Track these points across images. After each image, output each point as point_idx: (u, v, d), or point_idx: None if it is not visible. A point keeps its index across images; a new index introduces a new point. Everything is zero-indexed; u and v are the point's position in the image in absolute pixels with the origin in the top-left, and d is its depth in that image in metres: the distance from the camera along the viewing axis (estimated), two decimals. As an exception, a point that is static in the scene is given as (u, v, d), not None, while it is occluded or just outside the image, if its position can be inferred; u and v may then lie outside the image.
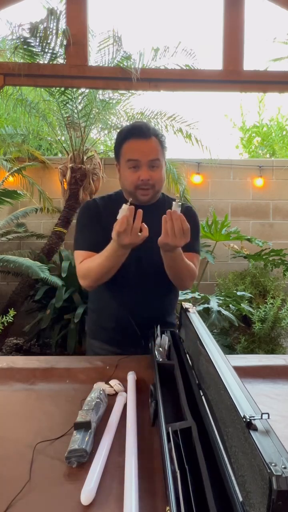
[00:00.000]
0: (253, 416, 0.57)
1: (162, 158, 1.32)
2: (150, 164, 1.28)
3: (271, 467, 0.47)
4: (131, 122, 1.39)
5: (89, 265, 1.28)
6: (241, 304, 3.28)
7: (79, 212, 1.43)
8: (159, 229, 1.18)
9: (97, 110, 4.14)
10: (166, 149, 1.36)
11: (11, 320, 3.01)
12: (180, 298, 3.15)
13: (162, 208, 1.25)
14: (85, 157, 4.19)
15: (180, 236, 1.15)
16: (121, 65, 2.95)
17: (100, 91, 4.05)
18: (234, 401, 0.64)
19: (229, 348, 3.39)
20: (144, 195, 1.31)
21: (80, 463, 0.76)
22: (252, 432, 0.55)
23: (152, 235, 1.19)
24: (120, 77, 2.64)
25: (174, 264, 1.28)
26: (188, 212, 1.39)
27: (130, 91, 3.98)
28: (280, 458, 0.49)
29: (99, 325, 1.46)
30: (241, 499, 0.57)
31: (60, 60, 2.78)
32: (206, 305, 3.13)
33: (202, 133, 4.32)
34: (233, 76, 2.60)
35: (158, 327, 1.26)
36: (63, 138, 4.53)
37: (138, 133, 1.29)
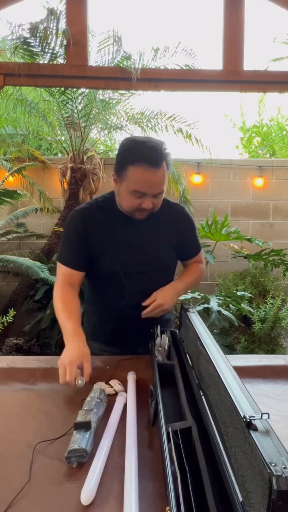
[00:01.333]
0: (253, 416, 0.57)
1: (166, 181, 1.27)
2: (155, 195, 1.24)
3: (271, 467, 0.47)
4: (143, 140, 1.27)
5: (57, 305, 1.29)
6: (241, 304, 3.28)
7: (66, 222, 1.40)
8: (156, 229, 1.31)
9: (97, 110, 4.14)
10: (171, 167, 1.27)
11: (11, 320, 3.01)
12: (180, 298, 3.15)
13: (157, 215, 1.32)
14: (85, 157, 4.19)
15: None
16: (121, 65, 2.95)
17: (100, 91, 4.05)
18: (234, 401, 0.64)
19: (229, 348, 3.39)
20: (141, 216, 1.29)
21: (80, 463, 0.76)
22: (252, 432, 0.55)
23: (150, 234, 1.30)
24: (120, 77, 2.64)
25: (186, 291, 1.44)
26: (182, 215, 1.45)
27: (130, 91, 3.98)
28: (280, 458, 0.49)
29: (98, 326, 1.46)
30: (241, 499, 0.57)
31: (60, 60, 2.78)
32: (206, 305, 3.13)
33: (202, 133, 4.33)
34: (233, 76, 2.60)
35: (158, 326, 1.27)
36: (63, 138, 4.53)
37: (149, 160, 1.17)
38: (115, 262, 1.31)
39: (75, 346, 1.12)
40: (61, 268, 1.35)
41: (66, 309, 1.25)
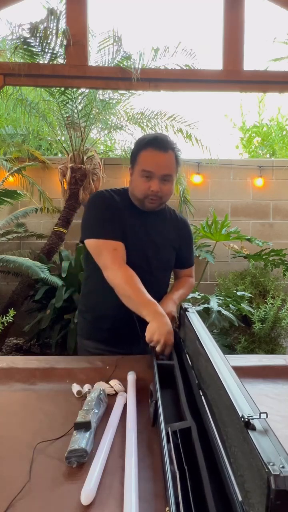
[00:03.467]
0: (252, 416, 0.57)
1: (175, 174, 1.35)
2: (162, 178, 1.32)
3: (269, 466, 0.47)
4: (152, 132, 1.42)
5: (124, 287, 1.25)
6: (241, 304, 3.28)
7: (92, 200, 1.40)
8: (163, 229, 1.41)
9: (97, 110, 4.14)
10: (180, 166, 1.38)
11: (11, 320, 3.01)
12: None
13: (163, 215, 1.48)
14: (85, 157, 4.19)
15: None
16: (121, 65, 2.96)
17: (100, 91, 4.05)
18: (233, 401, 0.64)
19: (229, 348, 3.39)
20: (151, 203, 1.36)
21: (80, 463, 0.76)
22: (250, 432, 0.55)
23: (157, 231, 1.40)
24: (120, 77, 2.64)
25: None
26: (185, 226, 1.56)
27: (130, 91, 3.98)
28: (278, 457, 0.49)
29: (94, 325, 1.47)
30: (240, 498, 0.57)
31: (60, 60, 2.78)
32: (206, 305, 3.13)
33: (202, 133, 4.30)
34: (233, 76, 2.60)
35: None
36: (63, 138, 4.53)
37: (157, 144, 1.30)
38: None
39: (165, 322, 1.16)
40: (105, 246, 1.30)
41: (136, 288, 1.24)
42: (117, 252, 1.29)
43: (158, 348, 1.13)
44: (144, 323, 1.32)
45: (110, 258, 1.29)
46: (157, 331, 1.13)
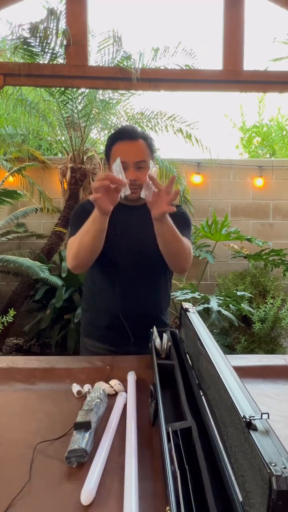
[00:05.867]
0: (253, 416, 0.57)
1: (149, 159, 1.36)
2: (137, 166, 1.32)
3: (271, 467, 0.47)
4: (122, 125, 1.41)
5: (75, 239, 1.30)
6: (241, 304, 3.28)
7: (74, 211, 1.46)
8: (150, 222, 1.25)
9: (97, 110, 4.14)
10: (155, 151, 1.41)
11: (11, 320, 3.01)
12: (180, 298, 3.16)
13: None
14: (85, 157, 4.19)
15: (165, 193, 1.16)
16: (121, 65, 2.95)
17: (100, 91, 4.05)
18: (234, 401, 0.64)
19: (229, 348, 3.39)
20: (133, 194, 1.30)
21: (80, 463, 0.76)
22: (252, 432, 0.55)
23: (148, 227, 1.28)
24: (120, 77, 2.64)
25: (167, 236, 1.26)
26: (177, 211, 1.44)
27: (130, 91, 3.98)
28: (280, 458, 0.49)
29: (92, 323, 1.49)
30: (241, 499, 0.57)
31: (60, 60, 2.78)
32: (206, 305, 3.13)
33: (202, 133, 4.31)
34: (233, 76, 2.60)
35: (155, 328, 1.27)
36: (63, 138, 4.53)
37: (125, 135, 1.34)
38: (114, 251, 1.35)
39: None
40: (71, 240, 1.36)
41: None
42: None
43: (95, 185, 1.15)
44: (133, 324, 1.33)
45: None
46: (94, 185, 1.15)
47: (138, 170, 1.33)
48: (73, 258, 1.32)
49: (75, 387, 1.07)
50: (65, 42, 2.56)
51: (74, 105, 3.99)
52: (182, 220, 1.44)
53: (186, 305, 1.32)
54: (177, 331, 1.34)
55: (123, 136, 1.35)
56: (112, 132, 1.44)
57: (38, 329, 3.75)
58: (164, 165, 4.13)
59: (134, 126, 1.43)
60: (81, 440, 0.78)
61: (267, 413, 0.58)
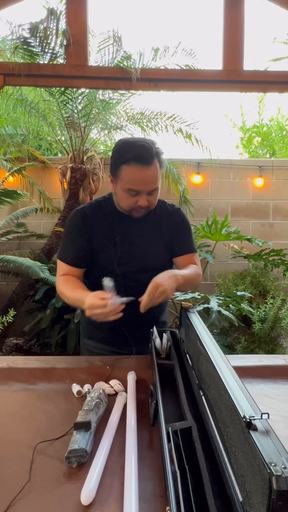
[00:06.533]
0: (253, 416, 0.57)
1: (160, 179, 1.29)
2: (149, 193, 1.27)
3: (271, 467, 0.47)
4: (133, 140, 1.29)
5: (62, 291, 1.32)
6: (241, 304, 3.28)
7: (67, 221, 1.42)
8: (154, 230, 1.31)
9: (97, 110, 4.14)
10: (164, 167, 1.30)
11: (11, 320, 3.01)
12: (180, 298, 3.15)
13: (153, 211, 1.35)
14: (85, 157, 4.19)
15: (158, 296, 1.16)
16: (121, 65, 2.95)
17: (100, 91, 4.05)
18: (234, 401, 0.64)
19: (229, 348, 3.39)
20: (138, 214, 1.32)
21: (80, 463, 0.76)
22: (252, 432, 0.55)
23: (148, 234, 1.31)
24: (120, 77, 2.63)
25: (183, 288, 1.32)
26: (177, 215, 1.45)
27: (130, 91, 3.98)
28: (280, 458, 0.49)
29: (94, 324, 1.46)
30: (241, 499, 0.57)
31: (60, 60, 2.78)
32: (206, 305, 3.13)
33: (202, 133, 4.31)
34: (233, 76, 2.60)
35: (155, 328, 1.27)
36: (63, 138, 4.53)
37: (140, 159, 1.20)
38: (112, 260, 1.34)
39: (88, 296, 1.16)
40: (61, 266, 1.37)
41: (70, 288, 1.29)
42: (64, 272, 1.36)
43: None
44: (134, 328, 1.34)
45: (58, 276, 1.38)
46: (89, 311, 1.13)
47: (150, 194, 1.27)
48: (58, 292, 1.36)
49: (75, 387, 1.07)
50: (65, 42, 2.56)
51: (74, 105, 3.99)
52: (185, 229, 1.45)
53: (186, 305, 1.32)
54: (177, 331, 1.34)
55: (138, 159, 1.20)
56: (123, 146, 1.27)
57: (38, 329, 3.74)
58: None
59: (148, 143, 1.24)
60: (81, 440, 0.78)
61: (267, 413, 0.58)
